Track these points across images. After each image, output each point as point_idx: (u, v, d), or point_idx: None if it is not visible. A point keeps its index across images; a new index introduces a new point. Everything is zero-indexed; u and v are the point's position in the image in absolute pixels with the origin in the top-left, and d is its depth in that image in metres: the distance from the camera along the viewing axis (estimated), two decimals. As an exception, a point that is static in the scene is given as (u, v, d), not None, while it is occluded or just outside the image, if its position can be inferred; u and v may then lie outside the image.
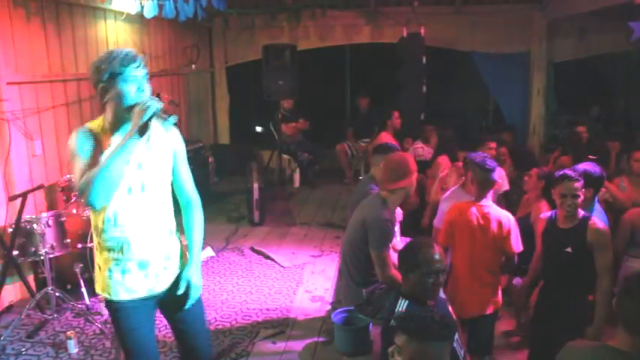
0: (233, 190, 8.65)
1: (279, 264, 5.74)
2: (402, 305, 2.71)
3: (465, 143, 5.91)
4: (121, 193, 2.45)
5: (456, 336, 2.73)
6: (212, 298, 4.98)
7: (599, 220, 3.45)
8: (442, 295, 2.97)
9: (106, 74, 2.40)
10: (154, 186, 2.59)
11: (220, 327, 4.46)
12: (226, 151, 9.83)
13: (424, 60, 8.35)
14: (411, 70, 8.28)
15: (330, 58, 10.75)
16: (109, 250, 2.53)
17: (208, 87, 10.01)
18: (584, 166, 4.01)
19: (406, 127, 7.00)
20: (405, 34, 8.56)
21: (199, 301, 2.82)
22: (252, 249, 6.19)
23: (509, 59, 9.25)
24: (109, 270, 2.54)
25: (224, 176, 9.42)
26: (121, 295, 2.55)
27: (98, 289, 2.62)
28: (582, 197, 3.43)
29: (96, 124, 2.53)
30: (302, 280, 5.38)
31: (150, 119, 2.38)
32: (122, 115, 2.46)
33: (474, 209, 3.65)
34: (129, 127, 2.41)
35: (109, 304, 2.60)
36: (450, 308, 2.96)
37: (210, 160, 8.69)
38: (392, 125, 6.47)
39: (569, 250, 3.40)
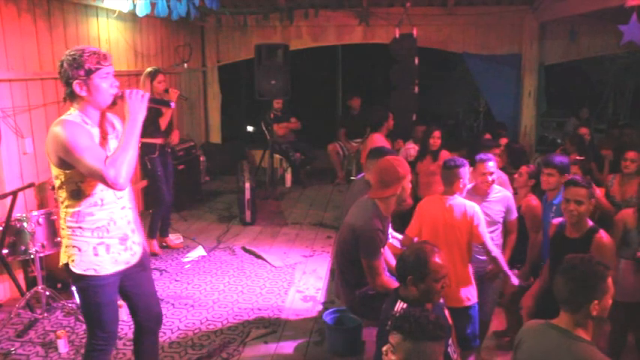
0: (224, 189, 8.64)
1: (270, 264, 5.74)
2: (399, 308, 2.71)
3: (456, 144, 5.96)
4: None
5: (449, 341, 2.75)
6: (203, 297, 4.96)
7: (606, 234, 3.38)
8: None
9: (83, 70, 2.63)
10: None
11: (211, 327, 4.45)
12: (218, 150, 9.81)
13: (416, 61, 8.37)
14: (403, 71, 8.30)
15: (322, 59, 10.77)
16: (94, 230, 2.76)
17: (200, 86, 9.99)
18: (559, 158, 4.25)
19: (398, 128, 7.00)
20: (397, 35, 8.58)
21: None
22: (244, 248, 6.18)
23: (501, 61, 9.30)
24: (94, 248, 2.76)
25: (215, 175, 9.40)
26: (108, 269, 2.80)
27: (78, 270, 2.76)
28: (586, 205, 3.40)
29: (74, 117, 2.70)
30: (293, 280, 5.38)
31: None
32: (100, 107, 2.73)
33: (439, 201, 3.80)
34: (111, 118, 2.84)
35: (90, 280, 2.78)
36: (447, 312, 2.97)
37: (201, 159, 8.67)
38: (387, 126, 6.47)
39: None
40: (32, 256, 4.39)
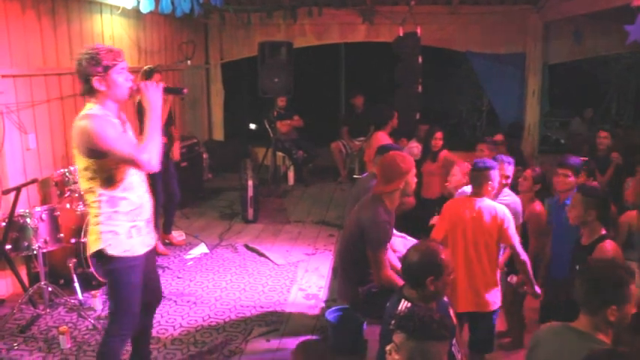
0: (227, 186, 8.64)
1: (273, 261, 5.74)
2: (403, 307, 2.69)
3: (459, 143, 5.96)
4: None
5: (453, 341, 2.74)
6: (205, 295, 4.96)
7: (611, 242, 3.30)
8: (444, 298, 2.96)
9: (101, 67, 2.88)
10: None
11: (214, 324, 4.45)
12: (220, 147, 9.81)
13: (420, 59, 8.35)
14: (406, 70, 8.28)
15: (325, 57, 10.76)
16: (128, 214, 3.01)
17: (203, 83, 9.98)
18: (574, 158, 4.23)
19: (401, 127, 6.99)
20: (401, 34, 8.56)
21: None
22: (246, 246, 6.18)
23: (505, 60, 9.28)
24: (128, 232, 3.02)
25: (218, 173, 9.40)
26: (139, 250, 3.06)
27: (116, 252, 2.98)
28: (580, 211, 3.35)
29: (96, 110, 2.94)
30: (296, 278, 5.38)
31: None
32: (117, 100, 2.99)
33: (467, 203, 3.73)
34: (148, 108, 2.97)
35: (126, 262, 3.01)
36: (451, 311, 2.96)
37: (204, 156, 8.67)
38: (392, 125, 6.47)
39: (578, 268, 3.27)
40: (35, 252, 4.39)
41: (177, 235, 6.35)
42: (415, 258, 2.70)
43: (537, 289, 3.83)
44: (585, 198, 3.32)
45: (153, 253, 3.32)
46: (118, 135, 2.89)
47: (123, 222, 3.00)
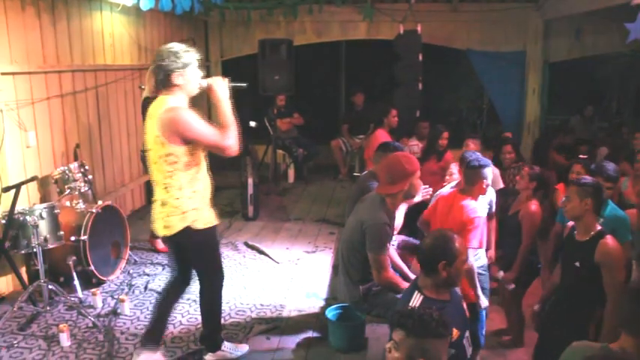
0: (227, 184, 8.61)
1: (273, 259, 5.73)
2: (416, 300, 2.70)
3: (459, 141, 5.94)
4: (204, 149, 3.43)
5: (467, 333, 2.75)
6: (205, 292, 4.95)
7: (612, 238, 3.24)
8: (457, 290, 2.96)
9: (182, 63, 3.32)
10: None
11: (214, 322, 4.44)
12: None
13: (420, 57, 8.35)
14: (407, 67, 8.28)
15: (325, 54, 10.74)
16: (200, 193, 3.46)
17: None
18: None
19: (402, 125, 6.99)
20: (401, 31, 8.56)
21: None
22: (246, 244, 6.17)
23: (505, 58, 9.28)
24: (202, 210, 3.48)
25: (218, 170, 9.35)
26: (214, 221, 3.57)
27: (202, 226, 3.45)
28: (576, 203, 3.30)
29: (176, 101, 3.34)
30: (296, 275, 5.38)
31: (234, 85, 3.52)
32: (189, 94, 3.43)
33: (455, 200, 3.81)
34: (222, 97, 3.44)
35: (210, 231, 3.53)
36: (464, 304, 2.97)
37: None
38: (388, 123, 6.47)
39: (577, 264, 3.29)
40: (35, 250, 4.39)
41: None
42: (429, 243, 2.76)
43: (482, 302, 3.74)
44: (580, 188, 3.30)
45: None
46: (203, 124, 3.29)
47: (201, 199, 3.46)
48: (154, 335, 3.75)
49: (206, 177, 3.53)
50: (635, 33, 5.95)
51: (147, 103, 4.33)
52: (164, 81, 3.33)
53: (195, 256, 3.64)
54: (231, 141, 3.33)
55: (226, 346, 3.88)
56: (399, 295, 2.93)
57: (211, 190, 3.61)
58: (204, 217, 3.49)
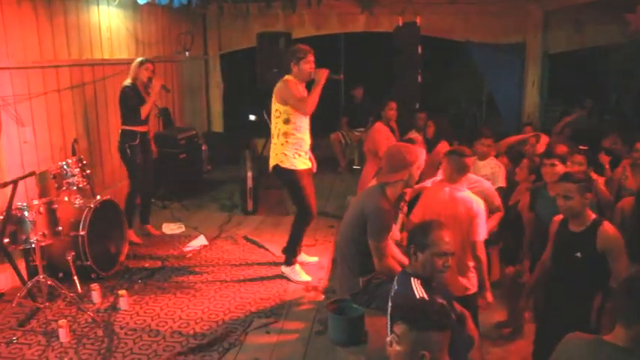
0: (226, 178, 8.62)
1: (272, 253, 5.72)
2: (417, 286, 2.73)
3: (460, 133, 5.93)
4: (302, 115, 4.88)
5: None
6: (205, 287, 4.95)
7: (610, 225, 3.24)
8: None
9: (295, 57, 4.85)
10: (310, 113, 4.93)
11: (213, 316, 4.44)
12: (220, 139, 9.77)
13: (419, 49, 8.31)
14: (406, 60, 8.24)
15: (324, 47, 10.68)
16: (294, 144, 4.90)
17: (202, 74, 9.94)
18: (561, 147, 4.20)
19: (402, 118, 6.97)
20: (400, 23, 8.51)
21: None
22: (246, 238, 6.16)
23: (505, 50, 9.23)
24: (293, 157, 4.92)
25: (217, 164, 9.37)
26: (300, 167, 4.94)
27: (286, 165, 4.92)
28: (577, 200, 3.27)
29: (291, 77, 4.88)
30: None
31: (331, 76, 4.89)
32: (301, 80, 4.91)
33: (445, 189, 3.81)
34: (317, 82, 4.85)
35: (289, 172, 4.93)
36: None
37: (203, 148, 8.63)
38: (386, 115, 6.44)
39: (578, 255, 3.25)
40: (33, 246, 4.37)
41: (176, 228, 6.35)
42: (411, 229, 2.99)
43: (488, 296, 3.79)
44: (579, 185, 3.28)
45: (310, 174, 5.14)
46: (298, 93, 4.81)
47: (291, 148, 4.89)
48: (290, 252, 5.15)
49: (302, 134, 4.91)
50: (635, 24, 5.92)
51: (128, 90, 5.63)
52: (288, 67, 4.87)
53: (287, 190, 5.27)
54: (307, 107, 4.80)
55: (294, 269, 5.13)
56: (395, 287, 2.92)
57: (308, 146, 5.04)
58: (292, 162, 4.89)
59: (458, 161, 3.86)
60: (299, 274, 5.12)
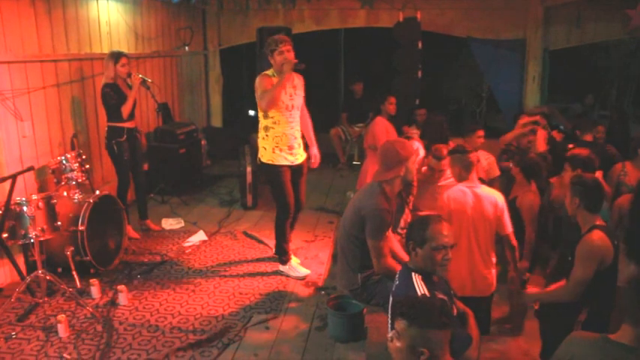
0: (226, 173, 8.60)
1: (272, 249, 5.70)
2: (418, 281, 2.73)
3: (459, 129, 5.91)
4: (282, 109, 4.75)
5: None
6: (204, 282, 4.94)
7: (600, 234, 3.19)
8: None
9: (269, 49, 4.67)
10: (297, 107, 4.88)
11: (213, 312, 4.43)
12: (219, 134, 9.75)
13: (420, 45, 8.29)
14: (406, 55, 8.22)
15: (324, 42, 10.67)
16: (274, 138, 4.81)
17: (201, 69, 9.91)
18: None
19: (401, 113, 6.96)
20: (400, 19, 8.49)
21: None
22: (245, 233, 6.15)
23: (505, 45, 9.21)
24: (272, 151, 4.84)
25: (217, 159, 9.36)
26: (280, 161, 4.85)
27: (265, 159, 4.90)
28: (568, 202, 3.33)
29: (270, 72, 4.73)
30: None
31: (292, 70, 4.63)
32: (278, 69, 4.67)
33: (467, 190, 3.79)
34: (281, 75, 4.61)
35: (268, 167, 4.89)
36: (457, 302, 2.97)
37: (202, 143, 8.61)
38: (386, 110, 6.43)
39: (570, 258, 3.31)
40: (32, 241, 4.35)
41: (176, 223, 6.34)
42: (410, 224, 2.96)
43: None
44: (572, 187, 3.30)
45: (299, 170, 5.01)
46: (263, 87, 4.65)
47: (270, 143, 4.83)
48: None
49: (283, 128, 4.79)
50: (637, 19, 5.90)
51: (108, 90, 5.51)
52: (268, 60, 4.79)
53: (268, 184, 5.21)
54: (263, 103, 4.68)
55: (291, 266, 5.12)
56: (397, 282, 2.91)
57: (296, 141, 4.90)
58: (269, 155, 4.84)
59: (462, 159, 3.85)
60: (296, 269, 5.11)
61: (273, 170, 4.87)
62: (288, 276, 5.09)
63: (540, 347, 3.70)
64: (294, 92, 4.84)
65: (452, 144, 5.02)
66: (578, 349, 2.18)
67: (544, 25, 9.04)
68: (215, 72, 10.08)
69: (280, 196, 4.93)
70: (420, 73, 8.33)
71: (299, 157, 4.97)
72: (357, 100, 9.32)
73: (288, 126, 4.82)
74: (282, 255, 5.16)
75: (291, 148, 4.86)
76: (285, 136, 4.82)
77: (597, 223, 3.24)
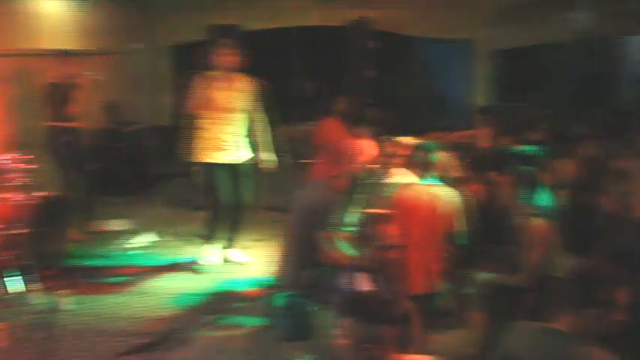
0: (175, 173, 8.46)
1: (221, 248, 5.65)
2: (363, 280, 2.73)
3: (409, 128, 5.96)
4: (216, 110, 4.82)
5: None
6: (151, 284, 4.87)
7: (541, 220, 3.37)
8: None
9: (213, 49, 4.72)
10: (235, 109, 4.90)
11: (158, 314, 4.35)
12: (168, 132, 9.58)
13: (372, 44, 8.36)
14: (358, 55, 8.28)
15: (277, 41, 10.63)
16: (204, 137, 4.86)
17: (150, 67, 9.71)
18: None
19: (352, 112, 6.99)
20: (353, 18, 8.54)
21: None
22: (195, 233, 6.06)
23: (455, 45, 9.36)
24: (202, 150, 4.91)
25: (166, 159, 9.18)
26: (207, 160, 4.93)
27: (195, 157, 4.97)
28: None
29: (209, 72, 4.79)
30: (243, 264, 5.34)
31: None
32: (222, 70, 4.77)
33: (421, 188, 3.74)
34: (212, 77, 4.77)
35: (201, 165, 4.99)
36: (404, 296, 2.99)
37: (151, 142, 8.45)
38: (337, 110, 6.45)
39: (512, 247, 3.44)
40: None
41: (122, 224, 6.22)
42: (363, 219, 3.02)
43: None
44: (510, 176, 3.42)
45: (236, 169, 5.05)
46: (194, 87, 4.92)
47: (204, 142, 4.92)
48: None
49: (213, 127, 4.86)
50: (577, 22, 6.10)
51: (52, 89, 5.46)
52: None
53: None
54: (186, 101, 4.99)
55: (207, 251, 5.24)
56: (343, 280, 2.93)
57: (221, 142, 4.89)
58: (199, 153, 4.92)
59: (421, 157, 3.85)
60: (211, 255, 5.23)
61: (202, 169, 4.99)
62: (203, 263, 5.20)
63: (483, 337, 3.78)
64: (234, 94, 4.86)
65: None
66: (522, 337, 2.25)
67: (492, 26, 9.23)
68: (165, 70, 9.90)
69: (210, 195, 5.09)
70: (371, 73, 8.39)
71: (236, 157, 5.00)
72: (308, 98, 9.32)
73: (222, 127, 4.86)
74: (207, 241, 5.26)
75: (224, 149, 4.92)
76: (218, 138, 4.87)
77: (534, 211, 3.39)
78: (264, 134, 5.18)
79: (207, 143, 4.86)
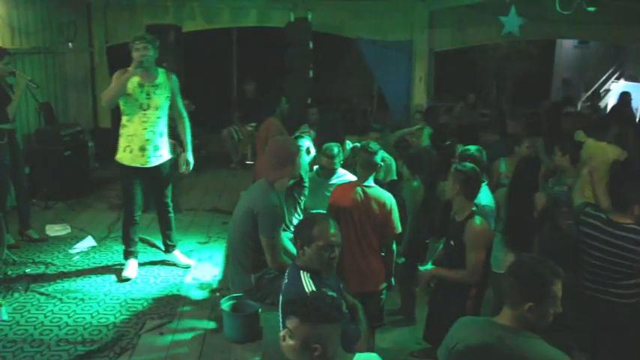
0: (115, 176, 8.17)
1: (164, 251, 5.58)
2: (306, 279, 2.76)
3: (351, 128, 6.08)
4: (135, 107, 4.73)
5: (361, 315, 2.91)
6: (93, 290, 4.75)
7: (482, 219, 3.49)
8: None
9: (130, 45, 4.66)
10: (155, 107, 4.77)
11: (103, 320, 4.27)
12: (107, 135, 9.32)
13: (311, 45, 8.41)
14: (298, 55, 8.32)
15: (216, 41, 10.56)
16: (126, 137, 4.78)
17: (87, 67, 9.43)
18: None
19: (293, 113, 7.03)
20: (292, 19, 8.57)
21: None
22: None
23: (393, 47, 9.53)
24: (123, 150, 4.78)
25: (105, 162, 8.95)
26: (126, 162, 4.81)
27: (116, 157, 4.86)
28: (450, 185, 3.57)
29: (130, 67, 4.63)
30: (189, 267, 5.28)
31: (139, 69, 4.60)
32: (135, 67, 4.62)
33: (357, 189, 3.79)
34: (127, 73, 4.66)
35: (120, 166, 4.88)
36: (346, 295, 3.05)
37: (89, 144, 8.23)
38: (280, 110, 6.48)
39: (452, 242, 3.55)
40: None
41: (61, 228, 6.04)
42: (298, 223, 3.04)
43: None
44: (454, 174, 3.53)
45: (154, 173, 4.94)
46: (112, 83, 4.71)
47: (123, 142, 4.79)
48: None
49: (134, 127, 4.73)
50: (508, 26, 6.36)
51: None
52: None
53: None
54: (102, 95, 4.89)
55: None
56: (286, 281, 2.95)
57: (139, 142, 4.73)
58: (120, 154, 4.80)
59: (366, 159, 3.89)
60: (128, 270, 5.05)
61: (121, 170, 4.89)
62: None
63: (426, 329, 3.90)
64: (154, 92, 4.72)
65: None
66: (466, 331, 2.36)
67: (429, 28, 9.46)
68: (102, 70, 9.61)
69: (123, 197, 5.07)
70: (311, 73, 8.45)
71: (152, 159, 4.82)
72: (250, 99, 9.31)
73: (141, 126, 4.72)
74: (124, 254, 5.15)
75: (142, 149, 4.75)
76: (136, 137, 4.74)
77: (473, 209, 3.51)
78: (189, 135, 5.10)
79: (128, 143, 4.76)
